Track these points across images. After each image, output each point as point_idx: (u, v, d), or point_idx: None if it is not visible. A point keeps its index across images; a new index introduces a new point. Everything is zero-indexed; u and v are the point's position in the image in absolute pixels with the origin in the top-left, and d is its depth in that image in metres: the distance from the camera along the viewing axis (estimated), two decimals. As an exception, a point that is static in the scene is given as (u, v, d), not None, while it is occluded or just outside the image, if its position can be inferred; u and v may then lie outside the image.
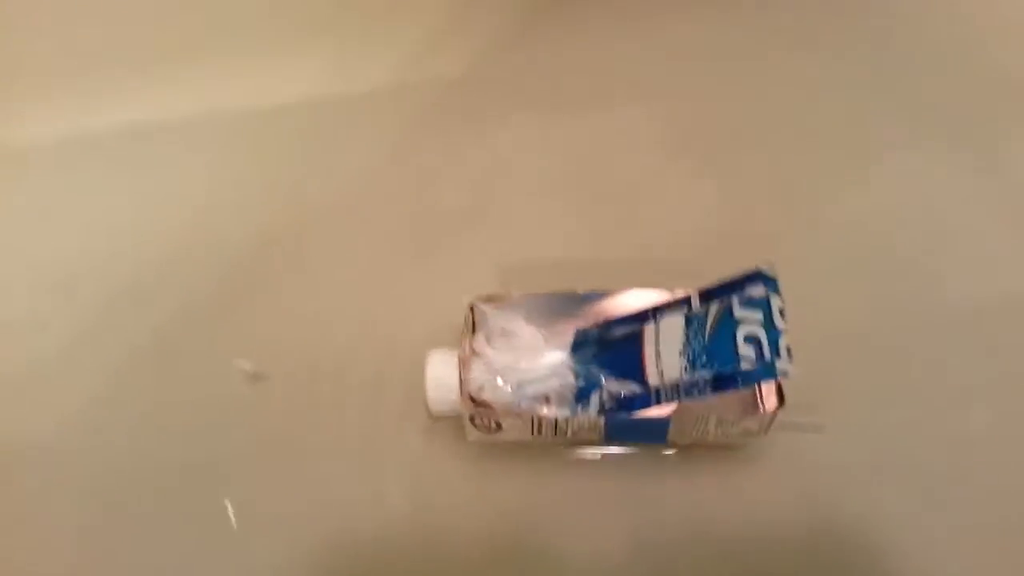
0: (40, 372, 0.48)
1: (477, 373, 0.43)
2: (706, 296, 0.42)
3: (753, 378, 0.38)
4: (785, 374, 0.37)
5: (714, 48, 0.60)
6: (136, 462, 0.45)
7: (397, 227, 0.53)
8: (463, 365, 0.42)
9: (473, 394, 0.41)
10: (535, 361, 0.44)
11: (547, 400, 0.42)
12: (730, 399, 0.40)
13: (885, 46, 0.59)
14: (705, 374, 0.39)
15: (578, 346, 0.44)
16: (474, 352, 0.44)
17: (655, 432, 0.41)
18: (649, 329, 0.42)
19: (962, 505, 0.42)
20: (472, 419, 0.41)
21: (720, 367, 0.38)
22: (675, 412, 0.40)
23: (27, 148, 0.56)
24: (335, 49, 0.60)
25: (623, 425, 0.41)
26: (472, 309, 0.44)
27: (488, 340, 0.45)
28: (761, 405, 0.40)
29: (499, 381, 0.43)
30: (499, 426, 0.41)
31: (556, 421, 0.41)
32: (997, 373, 0.46)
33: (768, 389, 0.40)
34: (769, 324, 0.39)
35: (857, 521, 0.42)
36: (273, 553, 0.42)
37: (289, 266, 0.52)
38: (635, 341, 0.42)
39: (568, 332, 0.45)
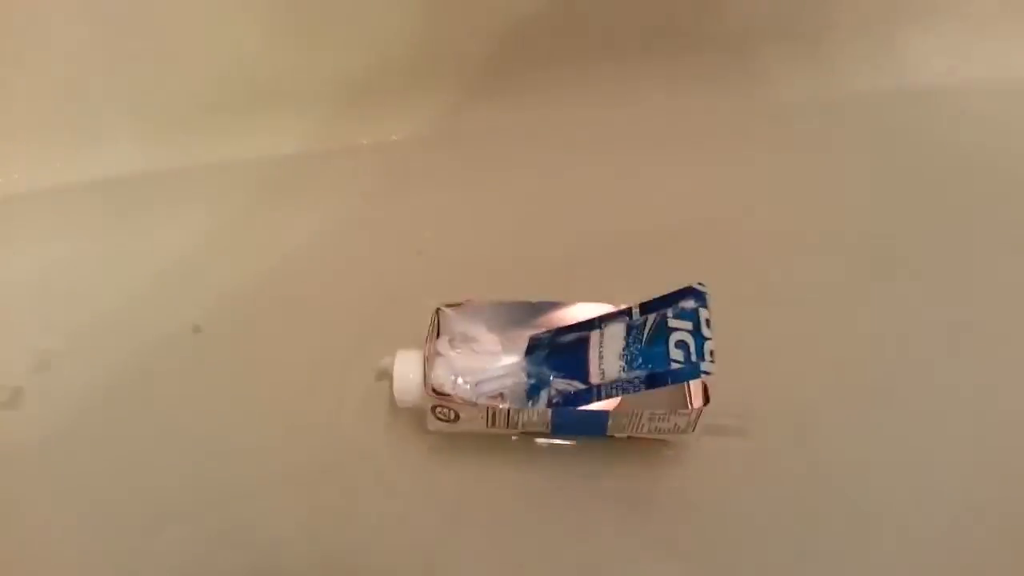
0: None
1: (440, 371, 0.48)
2: (645, 308, 0.48)
3: (680, 377, 0.43)
4: (708, 373, 0.43)
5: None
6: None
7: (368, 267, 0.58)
8: (428, 362, 0.47)
9: (436, 387, 0.45)
10: (493, 364, 0.50)
11: (502, 397, 0.47)
12: (662, 397, 0.45)
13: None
14: (640, 373, 0.44)
15: (531, 350, 0.49)
16: (437, 352, 0.49)
17: (596, 425, 0.46)
18: (595, 335, 0.48)
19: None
20: (434, 410, 0.46)
21: (654, 367, 0.44)
22: (613, 407, 0.45)
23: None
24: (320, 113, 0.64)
25: (568, 418, 0.46)
26: (437, 313, 0.49)
27: (451, 343, 0.50)
28: (689, 403, 0.45)
29: (459, 380, 0.48)
30: (458, 416, 0.46)
31: (508, 413, 0.45)
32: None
33: (696, 389, 0.46)
34: (697, 332, 0.44)
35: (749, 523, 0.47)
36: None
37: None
38: (582, 346, 0.48)
39: (523, 339, 0.50)
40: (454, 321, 0.50)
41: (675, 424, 0.46)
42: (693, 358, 0.43)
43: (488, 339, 0.51)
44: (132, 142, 0.62)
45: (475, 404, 0.45)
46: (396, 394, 0.47)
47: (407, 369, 0.47)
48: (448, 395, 0.45)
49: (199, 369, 0.52)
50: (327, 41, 0.62)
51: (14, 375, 0.51)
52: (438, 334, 0.49)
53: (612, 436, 0.47)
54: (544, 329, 0.50)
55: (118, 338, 0.53)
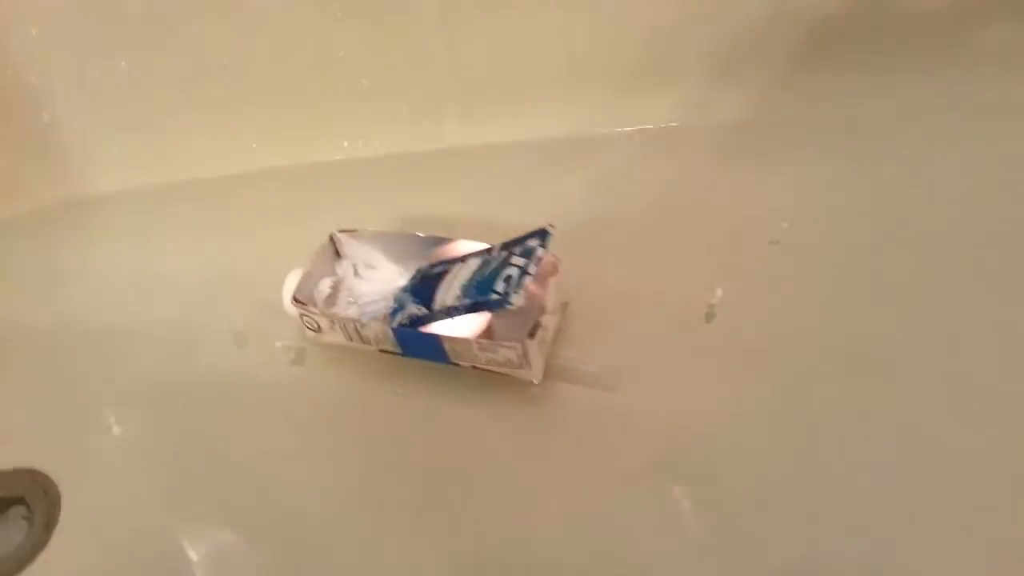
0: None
1: (326, 288, 0.53)
2: (505, 246, 0.49)
3: (493, 305, 0.45)
4: (510, 304, 0.44)
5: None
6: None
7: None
8: (307, 276, 0.52)
9: (296, 297, 0.51)
10: (387, 289, 0.54)
11: (383, 319, 0.52)
12: (507, 330, 0.47)
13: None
14: (467, 301, 0.46)
15: (411, 280, 0.53)
16: (335, 272, 0.54)
17: (436, 350, 0.48)
18: (455, 268, 0.50)
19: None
20: (302, 319, 0.51)
21: (478, 296, 0.46)
22: (445, 333, 0.47)
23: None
24: (611, 90, 0.65)
25: (408, 339, 0.49)
26: (332, 238, 0.54)
27: (355, 269, 0.55)
28: (514, 337, 0.46)
29: (358, 301, 0.53)
30: (320, 327, 0.51)
31: (356, 327, 0.50)
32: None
33: (526, 326, 0.46)
34: (525, 268, 0.45)
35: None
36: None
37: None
38: (441, 277, 0.50)
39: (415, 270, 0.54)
40: (350, 246, 0.55)
41: (507, 358, 0.47)
42: (509, 290, 0.44)
43: (389, 268, 0.55)
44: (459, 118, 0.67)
45: (329, 316, 0.50)
46: (284, 307, 0.53)
47: (291, 283, 0.53)
48: (304, 304, 0.50)
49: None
50: (632, 28, 0.62)
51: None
52: (339, 257, 0.55)
53: (457, 364, 0.49)
54: (433, 262, 0.53)
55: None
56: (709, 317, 0.50)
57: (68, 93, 0.68)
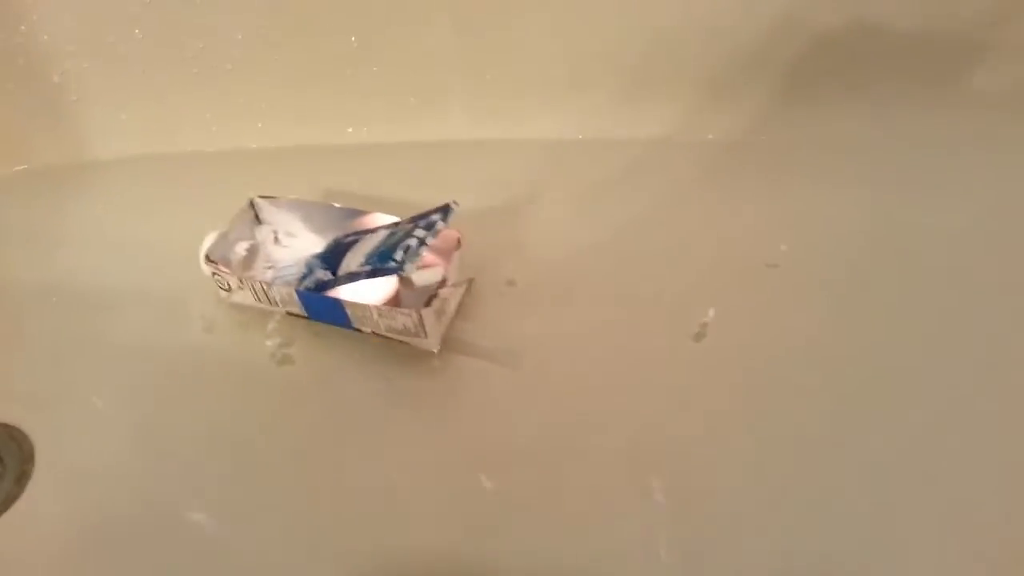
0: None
1: (242, 251, 0.55)
2: (412, 219, 0.51)
3: (387, 271, 0.47)
4: (402, 272, 0.46)
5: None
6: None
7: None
8: (223, 239, 0.54)
9: (210, 255, 0.52)
10: (302, 257, 0.56)
11: (293, 283, 0.53)
12: (400, 298, 0.49)
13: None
14: (367, 267, 0.48)
15: (325, 248, 0.55)
16: (253, 236, 0.56)
17: (339, 314, 0.50)
18: (366, 238, 0.52)
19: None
20: (214, 278, 0.53)
21: (379, 263, 0.48)
22: (347, 298, 0.49)
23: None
24: (612, 96, 0.65)
25: (313, 303, 0.50)
26: (252, 203, 0.56)
27: (276, 236, 0.57)
28: (411, 306, 0.48)
29: (275, 266, 0.55)
30: (230, 287, 0.53)
31: (264, 289, 0.51)
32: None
33: (423, 295, 0.48)
34: (423, 239, 0.47)
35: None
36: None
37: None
38: (352, 246, 0.52)
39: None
40: (269, 212, 0.56)
41: (404, 325, 0.48)
42: (406, 259, 0.46)
43: (307, 237, 0.57)
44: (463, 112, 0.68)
45: (240, 277, 0.52)
46: (201, 266, 0.54)
47: (207, 243, 0.54)
48: (215, 263, 0.52)
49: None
50: (637, 36, 0.63)
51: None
52: (259, 222, 0.56)
53: (359, 330, 0.51)
54: (348, 232, 0.55)
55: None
56: (699, 337, 0.50)
57: (80, 55, 0.67)
